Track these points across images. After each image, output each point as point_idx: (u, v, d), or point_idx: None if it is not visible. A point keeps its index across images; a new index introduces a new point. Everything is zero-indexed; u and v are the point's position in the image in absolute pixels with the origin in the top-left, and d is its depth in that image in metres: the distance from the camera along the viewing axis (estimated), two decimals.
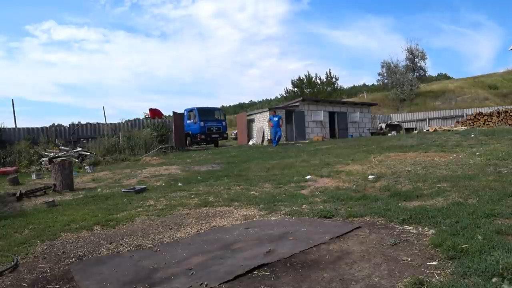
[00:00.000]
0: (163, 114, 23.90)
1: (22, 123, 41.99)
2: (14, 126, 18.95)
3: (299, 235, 3.84)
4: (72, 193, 7.96)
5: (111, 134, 19.36)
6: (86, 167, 13.16)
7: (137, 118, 23.96)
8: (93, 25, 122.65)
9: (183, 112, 22.70)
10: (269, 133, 21.59)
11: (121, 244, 4.00)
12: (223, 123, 22.99)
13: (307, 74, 40.39)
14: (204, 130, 21.52)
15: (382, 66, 39.64)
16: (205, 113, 22.23)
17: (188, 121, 22.36)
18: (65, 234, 4.51)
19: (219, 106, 24.63)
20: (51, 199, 6.79)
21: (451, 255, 2.87)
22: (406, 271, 2.73)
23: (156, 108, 24.77)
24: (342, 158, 9.67)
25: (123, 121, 22.56)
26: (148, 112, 24.86)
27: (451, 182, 5.74)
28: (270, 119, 18.94)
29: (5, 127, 18.52)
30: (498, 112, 22.89)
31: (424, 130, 24.67)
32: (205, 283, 2.76)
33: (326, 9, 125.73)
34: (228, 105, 72.63)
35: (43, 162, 14.80)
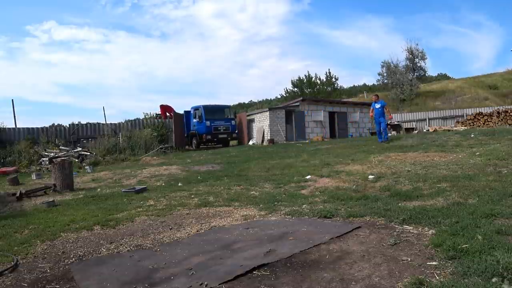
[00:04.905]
0: (174, 110, 22.69)
1: (22, 123, 42.02)
2: (14, 126, 19.00)
3: (299, 235, 3.84)
4: (72, 193, 7.96)
5: (111, 134, 19.39)
6: (86, 167, 13.17)
7: (137, 118, 23.88)
8: (94, 25, 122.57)
9: (183, 112, 22.22)
10: (269, 133, 21.30)
11: (121, 244, 4.01)
12: (232, 122, 21.24)
13: (307, 74, 40.41)
14: (210, 130, 19.89)
15: (382, 66, 39.64)
16: (212, 111, 20.44)
17: (194, 120, 20.85)
18: (65, 234, 4.51)
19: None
20: (51, 199, 6.79)
21: (451, 255, 2.87)
22: (406, 271, 2.72)
23: (167, 104, 24.09)
24: (342, 158, 9.66)
25: (123, 121, 22.59)
26: (159, 109, 24.07)
27: (451, 182, 5.74)
28: (373, 107, 13.08)
29: (5, 127, 18.57)
30: (498, 112, 22.89)
31: (424, 130, 24.64)
32: (205, 283, 2.76)
33: (326, 9, 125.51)
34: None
35: (43, 162, 14.82)
